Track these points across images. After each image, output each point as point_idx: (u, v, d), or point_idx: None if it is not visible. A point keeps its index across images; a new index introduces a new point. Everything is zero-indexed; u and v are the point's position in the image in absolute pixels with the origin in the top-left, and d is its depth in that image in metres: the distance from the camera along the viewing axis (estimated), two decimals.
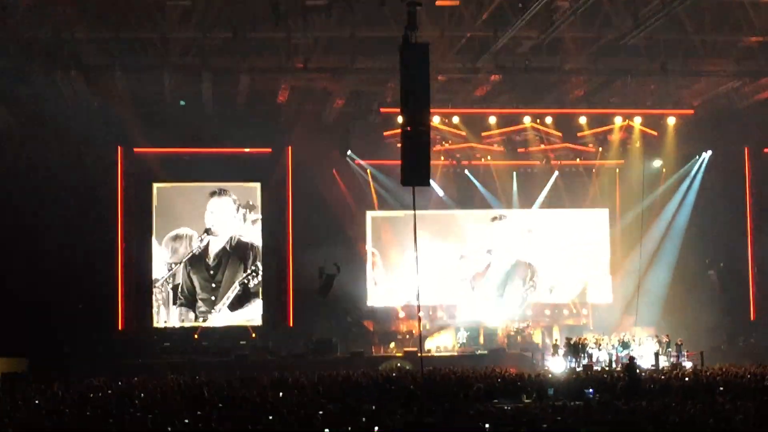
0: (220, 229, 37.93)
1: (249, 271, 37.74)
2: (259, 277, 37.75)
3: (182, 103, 35.28)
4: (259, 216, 37.97)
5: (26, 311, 33.07)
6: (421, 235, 36.61)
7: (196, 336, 36.65)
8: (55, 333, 32.72)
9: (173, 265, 37.53)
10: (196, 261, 37.71)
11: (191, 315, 37.34)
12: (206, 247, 37.85)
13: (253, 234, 37.99)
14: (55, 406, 18.20)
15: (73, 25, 28.63)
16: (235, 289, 37.59)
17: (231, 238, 37.98)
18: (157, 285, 37.35)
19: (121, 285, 36.56)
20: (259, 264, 37.79)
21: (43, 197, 34.22)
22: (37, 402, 19.06)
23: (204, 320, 37.30)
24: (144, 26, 28.96)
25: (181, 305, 37.41)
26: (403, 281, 38.31)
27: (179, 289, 37.46)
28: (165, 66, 31.38)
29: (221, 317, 37.42)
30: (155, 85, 33.41)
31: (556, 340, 34.92)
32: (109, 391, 21.87)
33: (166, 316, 37.26)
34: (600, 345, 33.62)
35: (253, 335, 36.85)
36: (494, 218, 40.18)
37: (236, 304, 37.58)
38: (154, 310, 37.15)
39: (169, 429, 14.94)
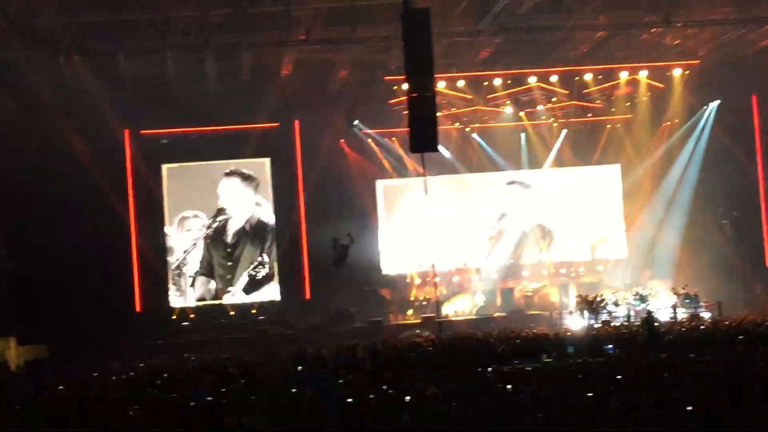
0: (235, 209, 38.01)
1: (263, 258, 37.81)
2: (274, 256, 37.84)
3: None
4: (262, 198, 38.04)
5: (45, 298, 33.25)
6: (432, 200, 37.15)
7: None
8: (74, 318, 32.86)
9: (190, 245, 37.65)
10: (214, 240, 37.85)
11: (208, 294, 37.49)
12: (224, 226, 37.93)
13: (265, 211, 38.07)
14: (77, 390, 18.30)
15: (73, 10, 28.63)
16: (251, 272, 37.70)
17: (251, 217, 38.04)
18: (172, 265, 37.52)
19: (137, 266, 36.72)
20: (274, 246, 37.91)
21: (53, 184, 34.27)
22: (60, 387, 19.15)
23: (221, 298, 37.52)
24: (144, 7, 28.90)
25: (199, 281, 37.57)
26: (417, 248, 38.39)
27: (197, 268, 37.61)
28: (167, 46, 31.35)
29: (239, 296, 37.60)
30: (159, 66, 33.39)
31: (578, 297, 34.83)
32: (131, 373, 21.97)
33: (183, 296, 37.43)
34: (617, 301, 33.65)
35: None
36: (510, 182, 40.16)
37: (251, 288, 37.72)
38: (171, 290, 37.32)
39: (193, 404, 15.01)
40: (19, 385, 20.87)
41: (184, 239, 37.73)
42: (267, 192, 38.22)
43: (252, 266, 37.78)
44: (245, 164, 38.20)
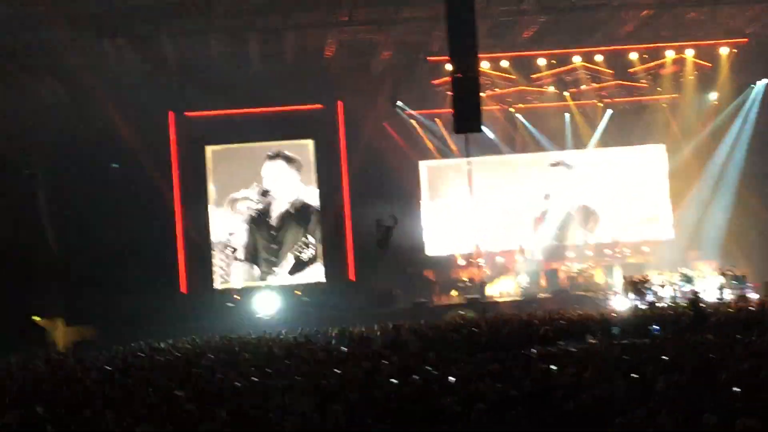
0: (279, 191, 38.09)
1: (307, 238, 37.86)
2: (319, 238, 37.88)
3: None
4: (305, 180, 38.09)
5: (91, 279, 33.53)
6: (476, 181, 37.04)
7: (298, 293, 36.99)
8: (120, 299, 33.11)
9: (235, 227, 37.78)
10: (258, 223, 37.95)
11: (253, 276, 37.64)
12: (268, 208, 38.04)
13: (309, 193, 38.13)
14: (123, 371, 18.47)
15: None
16: (295, 252, 37.78)
17: (295, 199, 38.12)
18: (216, 247, 37.69)
19: (182, 248, 36.95)
20: (318, 228, 37.96)
21: (99, 167, 34.55)
22: (106, 367, 19.33)
23: (265, 280, 37.66)
24: None
25: (244, 264, 37.72)
26: (461, 229, 38.27)
27: (241, 251, 37.74)
28: (210, 28, 31.44)
29: (283, 278, 37.72)
30: (202, 48, 33.49)
31: (624, 278, 34.52)
32: (177, 354, 22.12)
33: (228, 277, 37.61)
34: (663, 281, 33.36)
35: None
36: (555, 164, 39.87)
37: (296, 269, 37.82)
38: (215, 271, 37.52)
39: (238, 384, 15.11)
40: (66, 365, 21.09)
41: (233, 221, 37.85)
42: (310, 174, 38.27)
43: (296, 246, 37.86)
44: (289, 146, 38.28)
